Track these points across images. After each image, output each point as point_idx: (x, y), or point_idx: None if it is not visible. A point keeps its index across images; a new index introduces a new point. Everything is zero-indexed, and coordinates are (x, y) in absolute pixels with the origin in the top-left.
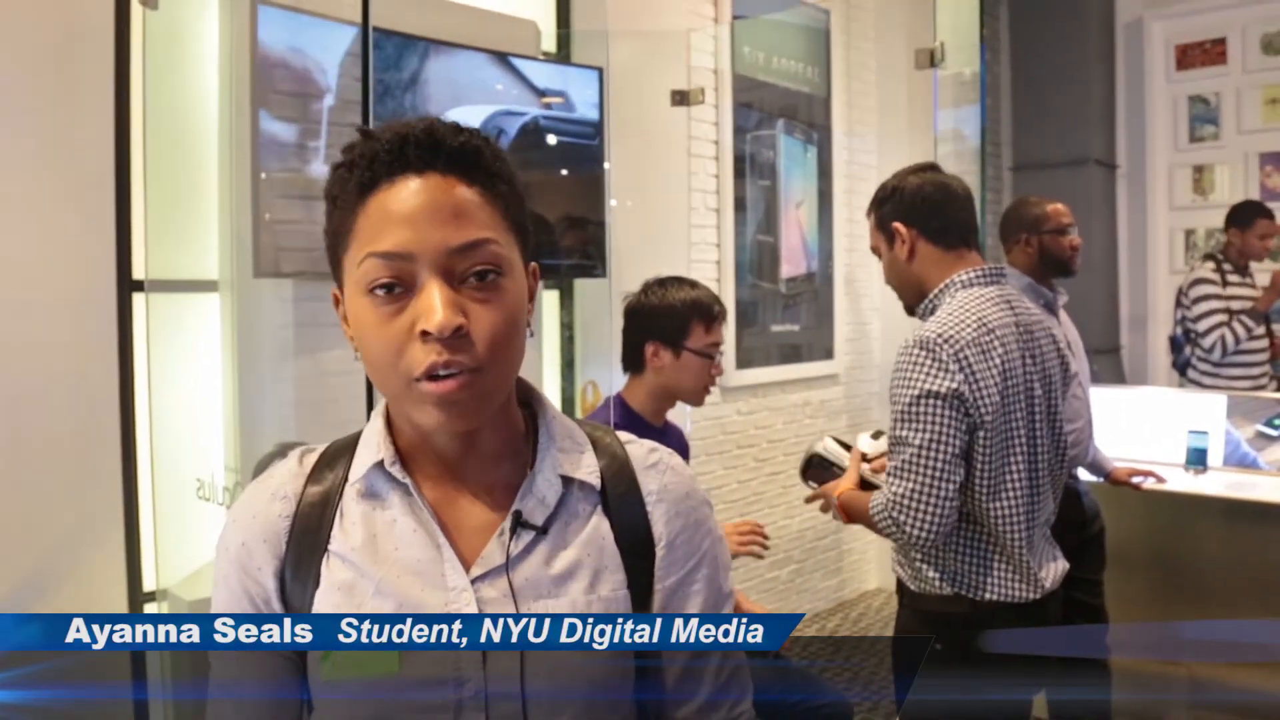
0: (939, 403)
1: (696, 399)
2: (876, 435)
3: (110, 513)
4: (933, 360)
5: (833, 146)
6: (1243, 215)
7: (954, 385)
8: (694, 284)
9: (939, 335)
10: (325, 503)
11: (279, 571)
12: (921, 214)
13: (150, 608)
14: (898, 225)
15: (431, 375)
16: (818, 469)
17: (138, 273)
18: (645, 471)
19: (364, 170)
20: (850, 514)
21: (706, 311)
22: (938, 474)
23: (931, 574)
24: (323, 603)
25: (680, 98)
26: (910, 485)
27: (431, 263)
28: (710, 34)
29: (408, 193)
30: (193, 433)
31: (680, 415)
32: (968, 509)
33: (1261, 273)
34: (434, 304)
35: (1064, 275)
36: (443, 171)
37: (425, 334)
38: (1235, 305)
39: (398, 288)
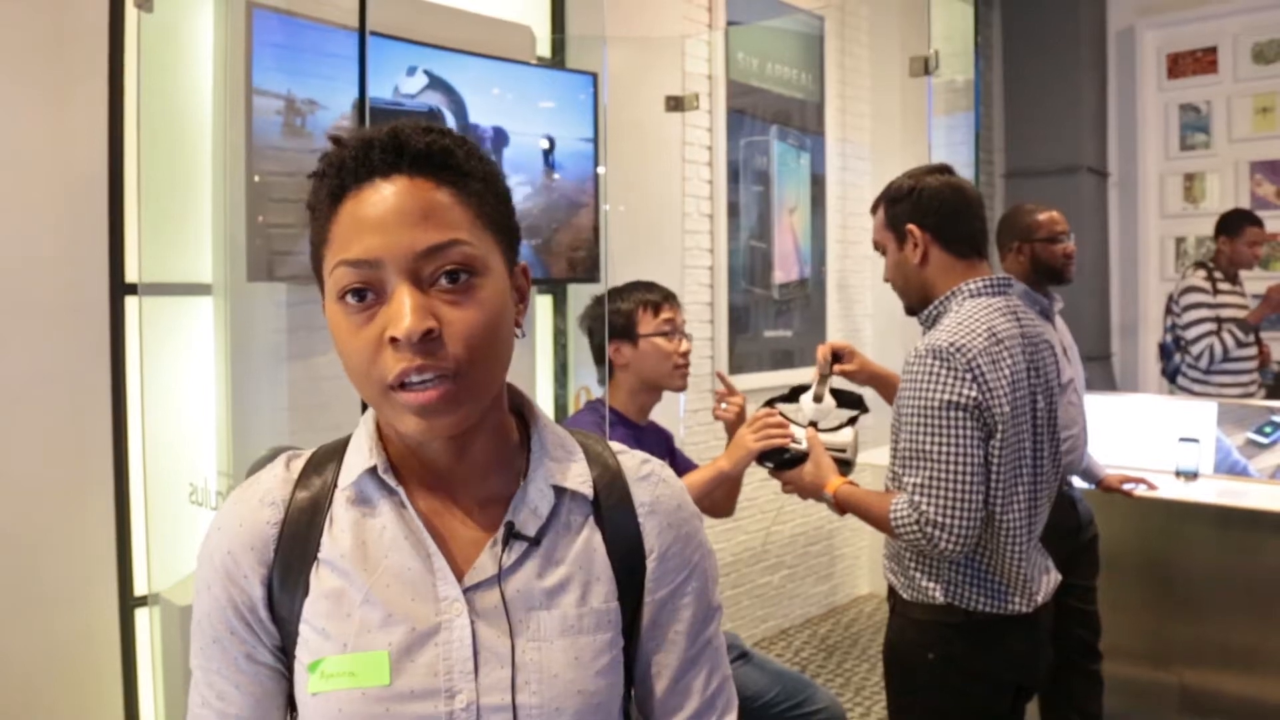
0: (960, 414)
1: (672, 381)
2: (818, 397)
3: (102, 516)
4: (948, 370)
5: (826, 152)
6: (1232, 223)
7: (973, 395)
8: (637, 284)
9: (951, 344)
10: (315, 509)
11: (266, 579)
12: (938, 219)
13: (141, 613)
14: (912, 227)
15: (405, 383)
16: (776, 452)
17: (130, 276)
18: (637, 483)
19: (334, 178)
20: (846, 508)
21: (650, 300)
22: (967, 487)
23: (925, 583)
24: (311, 611)
25: (675, 103)
26: (941, 502)
27: (399, 267)
28: (705, 40)
29: (376, 198)
30: (185, 437)
31: (674, 420)
32: None
33: (1251, 280)
34: (402, 309)
35: (1058, 283)
36: (409, 174)
37: (394, 340)
38: (1225, 313)
39: (368, 295)
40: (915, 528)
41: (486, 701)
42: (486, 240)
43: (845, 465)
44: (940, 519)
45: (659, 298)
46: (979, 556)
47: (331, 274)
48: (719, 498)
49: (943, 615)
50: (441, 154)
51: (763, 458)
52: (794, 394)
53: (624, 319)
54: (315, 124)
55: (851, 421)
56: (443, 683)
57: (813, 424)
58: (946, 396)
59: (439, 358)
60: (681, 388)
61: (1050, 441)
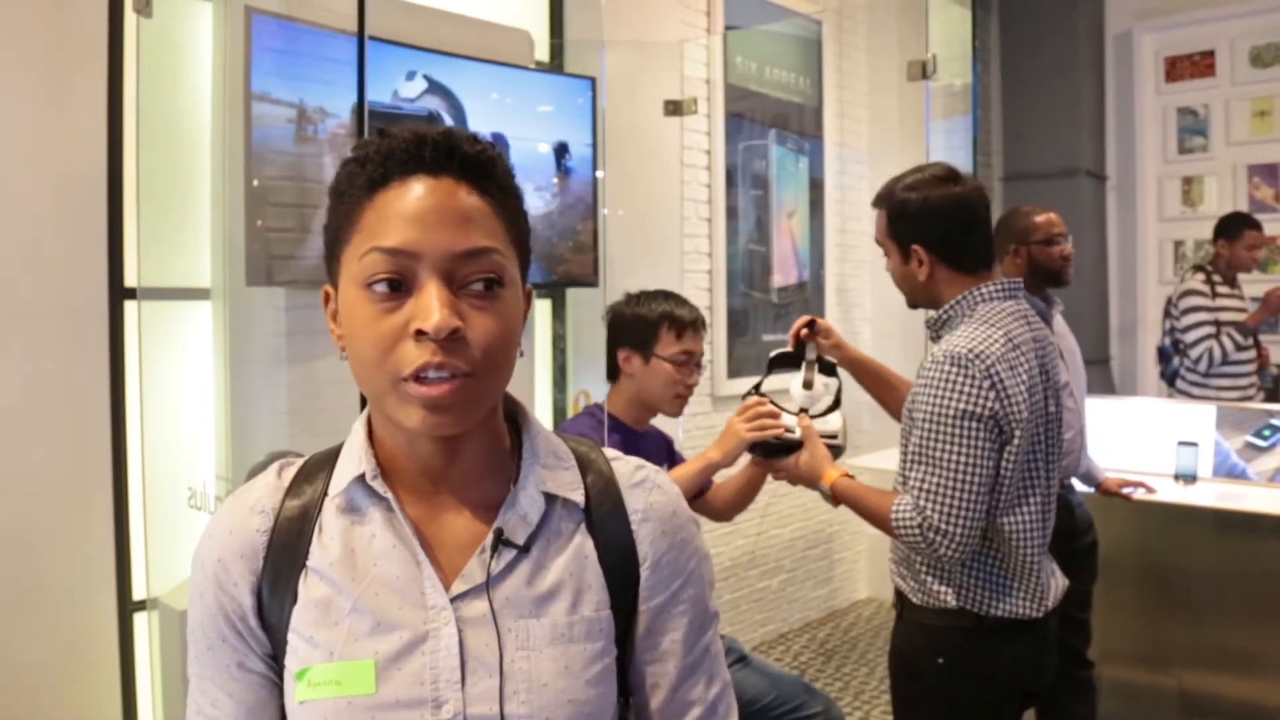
0: (977, 425)
1: (669, 408)
2: (808, 383)
3: (101, 521)
4: (966, 377)
5: (824, 156)
6: (1231, 227)
7: (991, 407)
8: (670, 295)
9: (970, 351)
10: (304, 517)
11: (256, 588)
12: (944, 239)
13: (140, 617)
14: (917, 248)
15: (421, 376)
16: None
17: (130, 280)
18: (631, 490)
19: (377, 166)
20: (843, 500)
21: (678, 320)
22: (974, 498)
23: (937, 587)
24: (300, 619)
25: (673, 107)
26: (945, 508)
27: (434, 264)
28: (703, 44)
29: (421, 191)
30: (184, 441)
31: (672, 424)
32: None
33: (1250, 284)
34: (432, 304)
35: (1056, 285)
36: (456, 177)
37: (420, 333)
38: (1224, 317)
39: (398, 284)
40: (916, 531)
41: (474, 711)
42: (512, 255)
43: (836, 451)
44: (943, 525)
45: (687, 320)
46: (993, 560)
47: (361, 259)
48: (733, 499)
49: (954, 620)
50: (488, 164)
51: (753, 447)
52: (771, 367)
53: (645, 331)
54: (314, 129)
55: (836, 404)
56: (429, 692)
57: (803, 411)
58: (964, 406)
59: (459, 357)
60: (676, 414)
61: (1057, 444)
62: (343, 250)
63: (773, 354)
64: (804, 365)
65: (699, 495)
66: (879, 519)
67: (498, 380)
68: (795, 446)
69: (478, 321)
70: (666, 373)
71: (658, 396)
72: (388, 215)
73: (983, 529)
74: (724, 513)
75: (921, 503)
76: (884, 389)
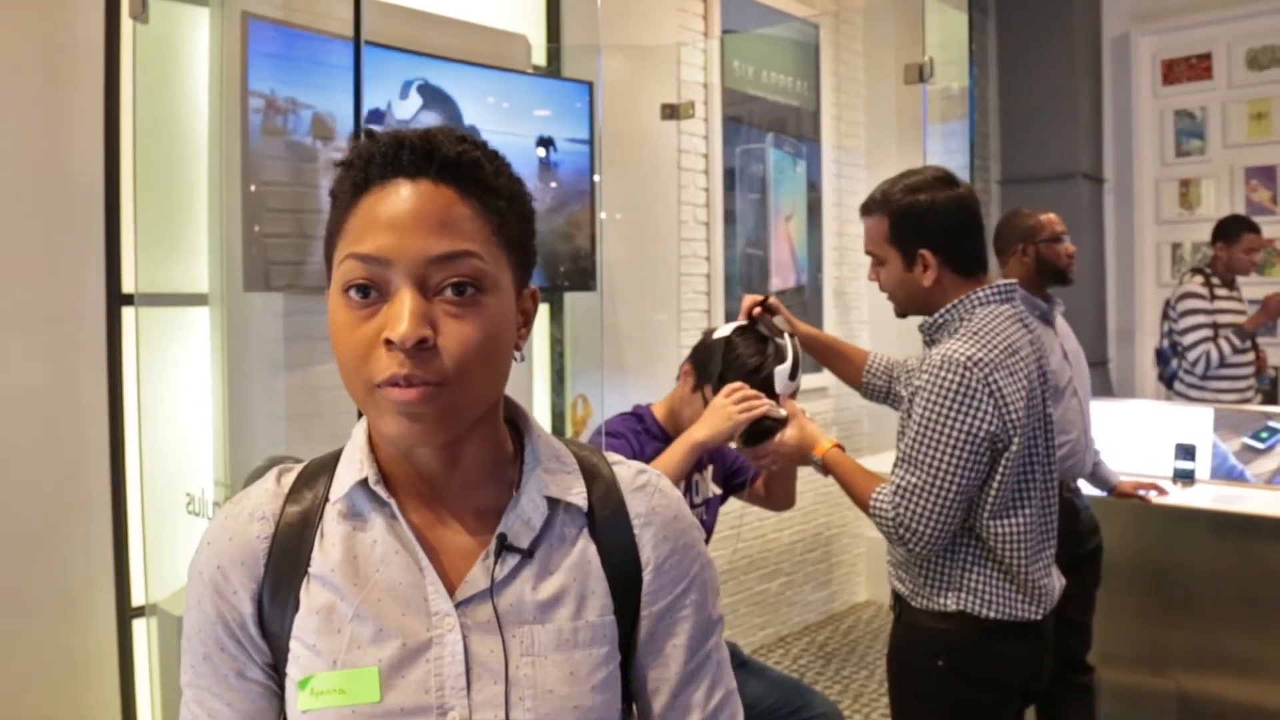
0: (972, 441)
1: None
2: (793, 374)
3: (99, 527)
4: (965, 390)
5: (822, 160)
6: (1229, 230)
7: (990, 428)
8: (769, 353)
9: (969, 358)
10: (305, 523)
11: (256, 595)
12: (950, 242)
13: (139, 623)
14: (925, 252)
15: (393, 384)
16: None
17: (127, 286)
18: (633, 494)
19: (359, 171)
20: (832, 471)
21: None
22: (949, 504)
23: (936, 590)
24: (302, 627)
25: (670, 111)
26: (919, 510)
27: (407, 270)
28: (700, 48)
29: (396, 197)
30: (182, 447)
31: None
32: (976, 527)
33: (1248, 286)
34: (402, 313)
35: (1061, 283)
36: (435, 180)
37: (389, 342)
38: (1222, 319)
39: (372, 291)
40: (890, 524)
41: (479, 718)
42: (500, 258)
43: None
44: (915, 525)
45: (754, 385)
46: (991, 563)
47: (340, 265)
48: (777, 489)
49: (952, 622)
50: (471, 165)
51: (742, 436)
52: (749, 331)
53: (714, 366)
54: (310, 134)
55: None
56: (434, 699)
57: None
58: (964, 422)
59: (428, 368)
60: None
61: (1053, 447)
62: (333, 255)
63: (735, 327)
64: (790, 355)
65: (742, 488)
66: (860, 500)
67: (476, 390)
68: (776, 429)
69: (452, 329)
70: (698, 412)
71: (685, 419)
72: (365, 221)
73: (955, 530)
74: (781, 501)
75: (898, 499)
76: (840, 361)
